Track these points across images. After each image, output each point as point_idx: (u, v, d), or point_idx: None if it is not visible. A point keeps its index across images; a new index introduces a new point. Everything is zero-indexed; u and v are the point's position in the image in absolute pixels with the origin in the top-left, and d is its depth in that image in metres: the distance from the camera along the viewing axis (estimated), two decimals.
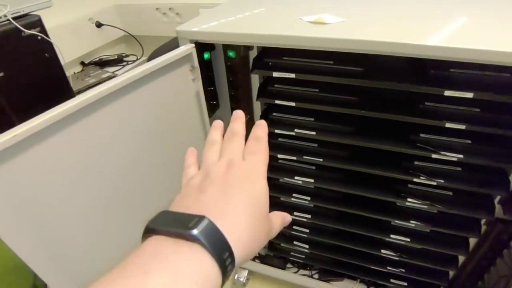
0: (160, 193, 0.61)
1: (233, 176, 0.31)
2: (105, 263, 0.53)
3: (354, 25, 0.59)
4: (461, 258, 0.86)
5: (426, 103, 0.62)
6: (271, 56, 0.68)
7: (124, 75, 0.48)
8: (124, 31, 1.41)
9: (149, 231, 0.26)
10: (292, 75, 0.62)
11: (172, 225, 0.25)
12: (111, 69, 1.30)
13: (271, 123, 0.74)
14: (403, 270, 0.90)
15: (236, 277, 1.08)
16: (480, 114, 0.60)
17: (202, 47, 0.67)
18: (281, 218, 0.35)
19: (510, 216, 0.72)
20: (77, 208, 0.47)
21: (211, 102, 0.76)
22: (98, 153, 0.48)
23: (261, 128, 0.36)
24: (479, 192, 0.70)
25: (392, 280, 0.96)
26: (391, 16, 0.63)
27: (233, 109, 0.78)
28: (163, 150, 0.62)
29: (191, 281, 0.23)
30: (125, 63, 1.37)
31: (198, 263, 0.24)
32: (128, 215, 0.56)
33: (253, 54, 0.71)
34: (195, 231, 0.24)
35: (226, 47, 0.69)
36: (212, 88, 0.76)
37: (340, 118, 0.71)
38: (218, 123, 0.39)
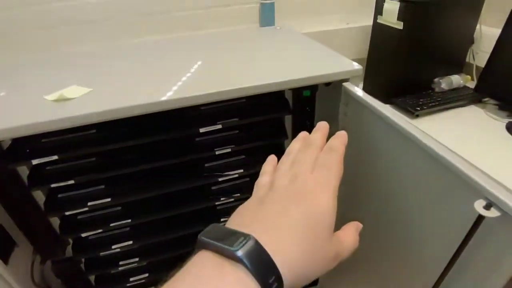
0: None
1: (295, 190, 0.29)
2: None
3: (101, 94, 0.60)
4: None
5: (197, 139, 0.70)
6: (28, 142, 0.62)
7: None
8: None
9: (200, 245, 0.26)
10: (54, 157, 0.59)
11: (219, 241, 0.25)
12: None
13: (60, 206, 0.68)
14: None
15: None
16: (240, 135, 0.72)
17: None
18: (352, 231, 0.32)
19: None
20: None
21: None
22: None
23: (339, 138, 0.33)
24: None
25: None
26: (129, 79, 0.67)
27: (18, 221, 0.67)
28: None
29: None
30: None
31: (240, 286, 0.23)
32: None
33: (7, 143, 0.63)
34: (239, 252, 0.23)
35: None
36: None
37: (133, 176, 0.71)
38: (303, 134, 0.36)
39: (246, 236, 0.25)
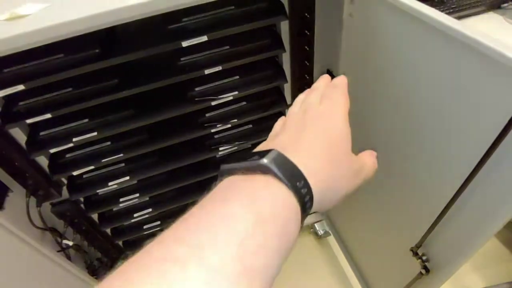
0: None
1: (309, 118, 0.30)
2: None
3: (61, 7, 0.50)
4: None
5: (182, 59, 0.62)
6: None
7: None
8: None
9: (222, 174, 0.26)
10: (21, 87, 0.51)
11: (243, 162, 0.25)
12: None
13: (43, 144, 0.63)
14: None
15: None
16: (230, 51, 0.63)
17: None
18: (370, 155, 0.34)
19: None
20: None
21: None
22: None
23: (339, 78, 0.35)
24: (270, 114, 0.77)
25: None
26: None
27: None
28: None
29: (267, 202, 0.22)
30: None
31: (272, 189, 0.23)
32: None
33: None
34: (265, 160, 0.24)
35: None
36: None
37: (115, 105, 0.64)
38: (306, 90, 0.39)
39: (269, 150, 0.25)
